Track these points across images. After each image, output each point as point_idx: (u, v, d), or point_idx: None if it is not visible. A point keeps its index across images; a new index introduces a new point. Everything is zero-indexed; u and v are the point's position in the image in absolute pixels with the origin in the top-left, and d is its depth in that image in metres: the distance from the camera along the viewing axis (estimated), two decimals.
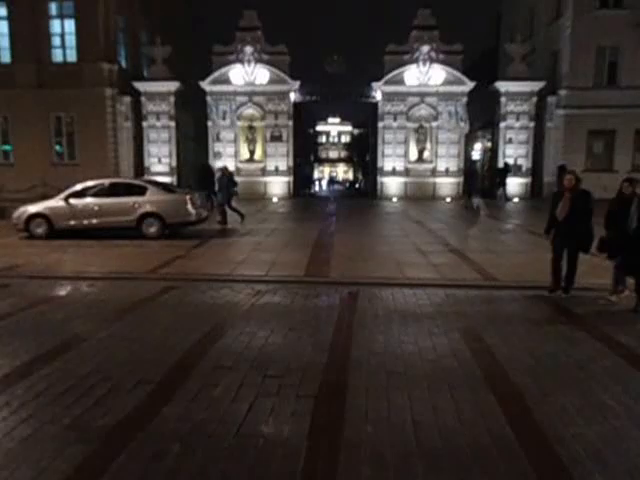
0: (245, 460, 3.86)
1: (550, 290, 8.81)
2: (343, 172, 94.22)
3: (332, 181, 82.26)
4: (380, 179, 32.34)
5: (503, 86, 30.58)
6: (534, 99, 30.60)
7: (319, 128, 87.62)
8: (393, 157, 31.87)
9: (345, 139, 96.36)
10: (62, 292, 9.30)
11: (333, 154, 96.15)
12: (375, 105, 32.31)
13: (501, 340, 6.50)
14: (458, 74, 30.84)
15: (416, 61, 30.83)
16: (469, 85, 30.80)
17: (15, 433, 4.20)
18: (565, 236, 8.48)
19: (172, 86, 31.30)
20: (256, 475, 3.68)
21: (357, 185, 42.64)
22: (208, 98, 31.63)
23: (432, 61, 30.79)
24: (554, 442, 4.09)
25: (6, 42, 30.43)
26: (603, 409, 4.65)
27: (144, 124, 31.71)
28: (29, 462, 3.80)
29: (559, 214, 8.42)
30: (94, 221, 15.33)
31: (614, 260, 8.44)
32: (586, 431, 4.24)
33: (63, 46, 30.56)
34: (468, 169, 30.39)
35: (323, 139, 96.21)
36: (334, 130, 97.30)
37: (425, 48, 30.74)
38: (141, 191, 15.53)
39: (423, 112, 31.61)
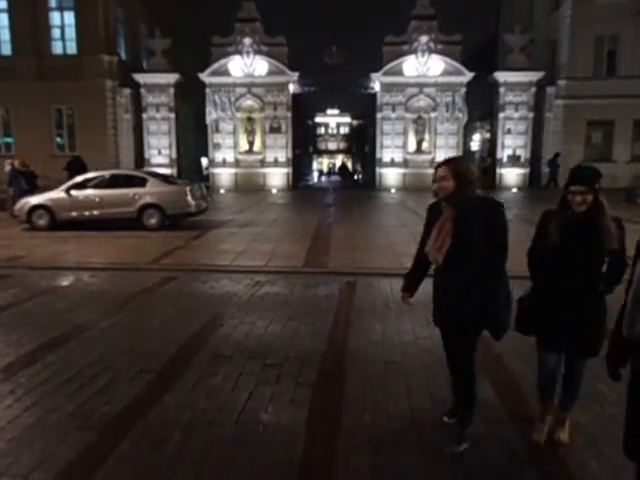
0: (245, 447, 3.94)
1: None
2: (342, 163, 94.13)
3: (331, 172, 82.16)
4: (379, 170, 32.33)
5: (502, 76, 30.51)
6: (533, 89, 30.54)
7: (318, 119, 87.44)
8: (392, 148, 31.84)
9: (344, 130, 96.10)
10: (64, 283, 9.38)
11: (332, 145, 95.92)
12: (374, 96, 32.25)
13: None
14: (457, 65, 30.76)
15: (415, 52, 30.73)
16: (468, 76, 30.73)
17: (19, 421, 4.28)
18: (447, 306, 3.94)
19: (171, 78, 31.26)
20: (256, 462, 3.76)
21: (356, 176, 42.24)
22: (207, 90, 31.58)
23: (431, 52, 30.68)
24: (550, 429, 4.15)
25: (6, 35, 30.40)
26: (598, 397, 4.72)
27: (144, 116, 31.70)
28: (33, 449, 3.88)
29: (432, 251, 3.86)
30: (95, 212, 15.40)
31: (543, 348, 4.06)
32: (581, 418, 4.32)
33: (63, 38, 30.54)
34: (551, 159, 29.65)
35: (322, 130, 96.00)
36: (333, 121, 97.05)
37: (424, 38, 30.63)
38: (141, 182, 15.60)
39: (422, 103, 31.55)
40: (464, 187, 3.66)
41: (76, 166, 26.14)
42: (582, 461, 3.76)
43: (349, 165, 79.93)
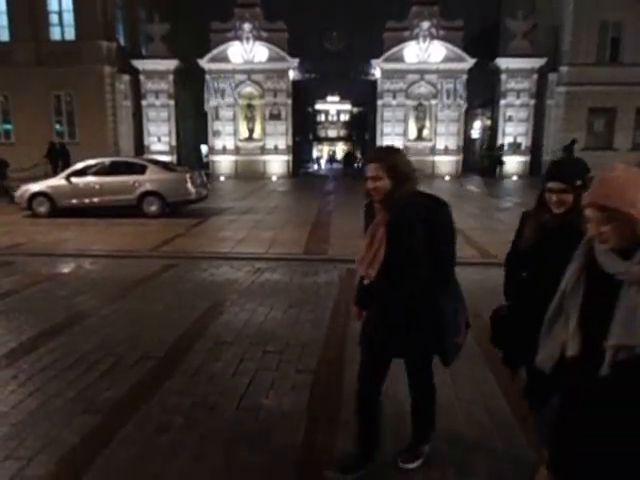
0: (246, 432, 3.97)
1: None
2: (342, 151, 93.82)
3: (331, 160, 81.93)
4: None
5: (504, 63, 30.41)
6: (535, 76, 30.45)
7: (318, 107, 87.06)
8: (392, 135, 31.79)
9: (344, 118, 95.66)
10: (65, 270, 9.40)
11: (332, 133, 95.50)
12: (374, 83, 32.18)
13: None
14: (458, 51, 30.65)
15: (416, 38, 30.63)
16: (469, 62, 30.62)
17: (23, 405, 4.31)
18: (381, 331, 3.33)
19: (171, 64, 31.16)
20: (257, 446, 3.79)
21: (356, 165, 41.91)
22: (207, 76, 31.49)
23: (432, 38, 30.58)
24: None
25: (4, 20, 30.28)
26: None
27: (143, 103, 31.64)
28: (37, 433, 3.90)
29: (362, 265, 3.39)
30: (95, 200, 15.40)
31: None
32: None
33: (61, 24, 30.48)
34: (567, 145, 28.91)
35: (322, 118, 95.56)
36: (333, 109, 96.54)
37: (425, 24, 30.51)
38: (141, 170, 15.57)
39: (422, 90, 31.48)
40: (399, 185, 3.03)
41: (58, 153, 26.37)
42: None
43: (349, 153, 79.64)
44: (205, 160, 35.29)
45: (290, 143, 32.65)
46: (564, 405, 2.15)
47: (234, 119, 32.07)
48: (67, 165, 25.59)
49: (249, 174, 31.30)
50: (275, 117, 32.06)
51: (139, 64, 31.23)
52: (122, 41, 32.46)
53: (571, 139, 28.67)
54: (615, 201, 1.84)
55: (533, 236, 3.08)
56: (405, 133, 31.86)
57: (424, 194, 3.15)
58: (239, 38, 30.98)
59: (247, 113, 32.31)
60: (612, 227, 1.87)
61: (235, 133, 32.21)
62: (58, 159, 26.75)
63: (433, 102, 31.44)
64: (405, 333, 3.17)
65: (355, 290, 3.60)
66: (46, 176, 19.75)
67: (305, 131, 58.65)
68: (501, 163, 30.69)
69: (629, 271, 1.89)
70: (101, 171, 15.67)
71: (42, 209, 15.56)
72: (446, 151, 31.59)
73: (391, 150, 3.26)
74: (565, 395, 2.15)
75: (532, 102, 30.72)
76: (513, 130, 30.89)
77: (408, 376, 3.52)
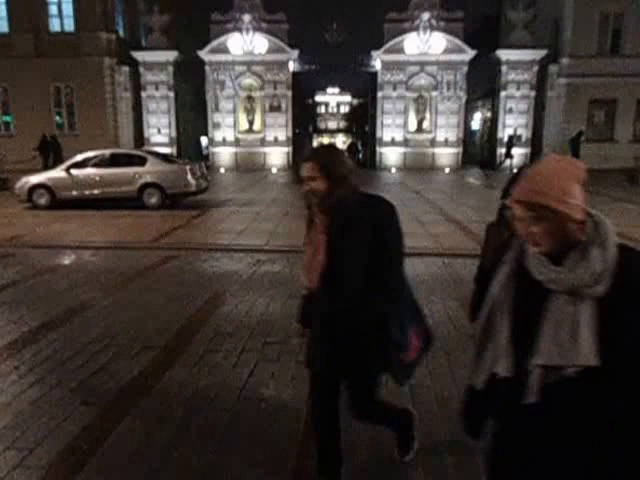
0: (247, 423, 3.99)
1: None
2: (342, 142, 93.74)
3: None
4: (379, 149, 32.27)
5: (504, 54, 30.29)
6: (535, 68, 30.33)
7: (318, 98, 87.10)
8: (392, 127, 31.76)
9: (344, 109, 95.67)
10: (66, 261, 9.43)
11: (332, 125, 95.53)
12: (374, 75, 32.09)
13: None
14: (459, 42, 30.55)
15: (416, 29, 30.52)
16: (470, 53, 30.53)
17: (24, 396, 4.34)
18: (325, 344, 2.94)
19: (170, 56, 31.04)
20: (258, 437, 3.81)
21: (360, 156, 41.64)
22: (206, 68, 31.40)
23: (432, 29, 30.47)
24: None
25: (3, 11, 30.16)
26: None
27: (143, 94, 31.54)
28: (39, 423, 3.93)
29: (305, 271, 2.98)
30: (95, 191, 15.41)
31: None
32: None
33: (60, 15, 30.33)
34: (575, 137, 28.52)
35: (322, 109, 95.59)
36: (333, 100, 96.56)
37: (425, 15, 30.40)
38: (141, 162, 15.58)
39: (423, 81, 31.40)
40: (337, 186, 2.78)
41: (50, 146, 26.42)
42: None
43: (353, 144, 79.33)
44: (205, 152, 35.24)
45: (290, 135, 32.60)
46: (496, 435, 1.88)
47: (234, 111, 32.00)
48: (59, 158, 25.75)
49: (249, 166, 31.28)
50: (275, 109, 32.00)
51: (139, 55, 31.11)
52: (121, 32, 32.34)
53: (578, 130, 28.60)
54: (544, 197, 1.58)
55: (495, 254, 2.42)
56: (405, 125, 31.80)
57: (367, 195, 2.93)
58: (239, 29, 30.86)
59: (247, 105, 32.23)
60: (542, 227, 1.62)
61: (235, 125, 32.15)
62: (50, 152, 26.82)
63: (433, 94, 31.37)
64: (347, 349, 2.84)
65: (302, 303, 3.16)
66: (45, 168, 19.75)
67: (305, 123, 58.54)
68: (511, 157, 30.52)
69: (558, 278, 1.65)
70: (101, 163, 15.66)
71: (42, 201, 15.57)
72: (446, 143, 31.54)
73: (327, 149, 3.01)
74: (497, 423, 1.88)
75: (532, 94, 30.62)
76: (514, 122, 30.78)
77: (349, 397, 3.03)
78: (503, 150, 29.89)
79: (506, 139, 29.68)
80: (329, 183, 2.76)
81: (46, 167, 24.37)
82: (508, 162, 28.63)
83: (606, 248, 1.62)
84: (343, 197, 2.78)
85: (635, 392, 1.60)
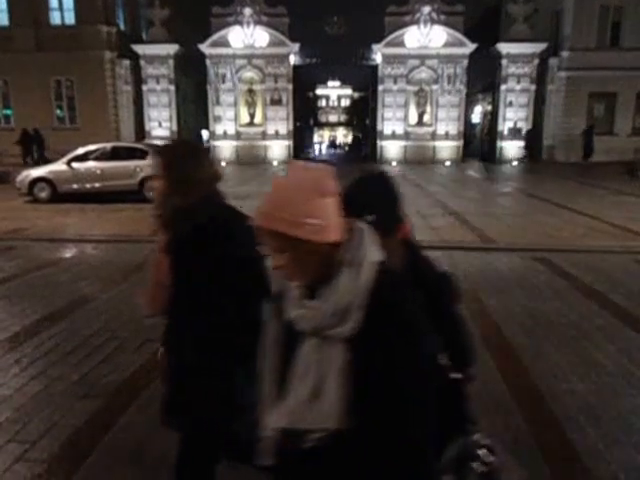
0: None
1: None
2: (343, 136, 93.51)
3: (332, 145, 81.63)
4: (380, 143, 32.22)
5: (505, 48, 30.21)
6: (536, 61, 30.26)
7: (319, 92, 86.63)
8: (393, 121, 31.72)
9: (345, 103, 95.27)
10: (67, 254, 9.47)
11: (333, 118, 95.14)
12: (375, 68, 32.03)
13: (498, 301, 6.62)
14: (459, 36, 30.48)
15: (417, 22, 30.44)
16: (470, 47, 30.46)
17: (26, 389, 4.38)
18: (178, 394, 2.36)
19: (171, 49, 30.98)
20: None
21: (362, 150, 41.45)
22: (207, 61, 31.34)
23: (433, 22, 30.40)
24: (548, 397, 4.22)
25: (3, 4, 30.14)
26: (596, 366, 4.77)
27: (144, 88, 31.50)
28: (41, 416, 3.97)
29: (146, 302, 2.50)
30: (96, 185, 15.43)
31: None
32: (579, 388, 4.37)
33: (61, 8, 30.29)
34: (586, 130, 29.18)
35: (323, 103, 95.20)
36: (334, 94, 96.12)
37: (426, 9, 30.32)
38: (142, 155, 15.57)
39: (423, 75, 31.34)
40: (178, 190, 2.20)
41: (31, 139, 26.46)
42: (580, 429, 3.79)
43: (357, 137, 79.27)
44: (206, 145, 35.18)
45: (291, 128, 32.57)
46: None
47: (235, 104, 31.96)
48: (42, 150, 25.85)
49: (250, 159, 31.24)
50: (276, 102, 31.95)
51: (139, 49, 31.05)
52: (122, 26, 32.28)
53: (589, 125, 28.92)
54: (278, 223, 1.26)
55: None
56: (406, 118, 31.75)
57: (223, 207, 2.44)
58: (240, 23, 30.79)
59: (248, 98, 32.18)
60: (287, 258, 1.31)
61: (236, 118, 32.11)
62: (32, 145, 26.90)
63: (434, 87, 31.31)
64: (183, 399, 2.28)
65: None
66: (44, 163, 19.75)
67: (306, 116, 58.42)
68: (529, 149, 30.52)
69: (300, 316, 1.34)
70: (102, 156, 15.70)
71: (43, 194, 15.60)
72: (447, 136, 31.49)
73: (181, 145, 2.50)
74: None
75: (532, 87, 30.55)
76: (513, 115, 30.75)
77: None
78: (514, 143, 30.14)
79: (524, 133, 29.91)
80: (168, 186, 2.23)
81: (25, 162, 24.55)
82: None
83: (359, 274, 1.30)
84: (184, 207, 2.20)
85: (384, 458, 1.29)
